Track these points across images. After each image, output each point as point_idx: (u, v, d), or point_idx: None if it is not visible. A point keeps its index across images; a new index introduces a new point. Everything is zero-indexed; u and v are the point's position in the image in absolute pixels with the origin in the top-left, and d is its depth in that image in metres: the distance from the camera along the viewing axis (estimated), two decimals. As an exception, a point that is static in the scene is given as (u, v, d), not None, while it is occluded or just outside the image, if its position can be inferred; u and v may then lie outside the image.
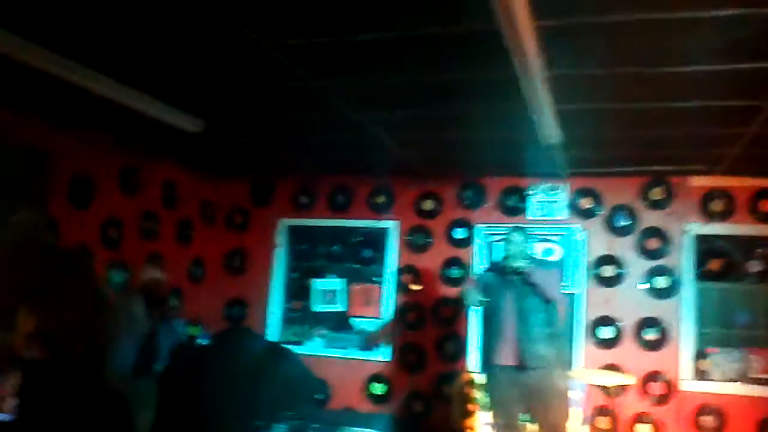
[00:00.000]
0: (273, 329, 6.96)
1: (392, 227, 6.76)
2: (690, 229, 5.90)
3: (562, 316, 4.59)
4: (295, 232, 7.16)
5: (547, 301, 4.25)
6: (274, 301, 7.02)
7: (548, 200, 6.32)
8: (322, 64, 3.66)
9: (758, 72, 3.42)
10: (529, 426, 4.79)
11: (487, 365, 4.48)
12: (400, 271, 6.68)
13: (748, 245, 5.84)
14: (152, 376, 4.81)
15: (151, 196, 6.28)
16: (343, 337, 6.79)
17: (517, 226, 4.80)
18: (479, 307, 4.68)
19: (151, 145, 5.87)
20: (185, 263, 6.84)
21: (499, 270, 4.44)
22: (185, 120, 4.78)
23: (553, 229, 6.26)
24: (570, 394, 4.38)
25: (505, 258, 4.37)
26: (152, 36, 3.40)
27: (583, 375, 5.23)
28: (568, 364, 4.59)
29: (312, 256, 7.09)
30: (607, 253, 6.09)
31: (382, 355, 6.60)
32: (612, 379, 4.98)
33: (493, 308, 4.41)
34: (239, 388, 5.46)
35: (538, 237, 6.19)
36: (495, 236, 6.40)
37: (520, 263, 4.23)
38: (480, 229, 6.47)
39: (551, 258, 6.14)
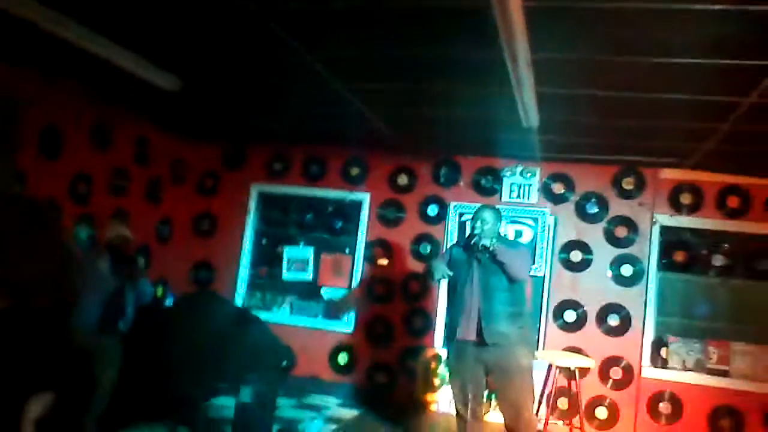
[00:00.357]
0: (240, 295, 6.93)
1: (365, 199, 6.75)
2: (658, 219, 6.00)
3: (529, 296, 4.61)
4: (266, 199, 7.11)
5: (513, 280, 4.24)
6: (242, 267, 6.99)
7: (522, 183, 6.36)
8: (306, 31, 3.61)
9: (739, 68, 3.45)
10: (492, 403, 4.87)
11: (449, 339, 4.46)
12: (371, 244, 6.69)
13: (713, 239, 5.97)
14: (117, 334, 4.75)
15: (123, 153, 6.17)
16: (311, 306, 6.80)
17: (487, 205, 4.76)
18: (442, 280, 4.65)
19: (126, 100, 5.74)
20: (153, 222, 6.75)
21: (467, 246, 4.41)
22: (162, 77, 4.68)
23: (524, 211, 6.32)
24: (534, 373, 4.41)
25: (474, 235, 4.33)
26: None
27: (546, 356, 5.32)
28: (532, 344, 4.59)
29: (283, 223, 7.05)
30: (576, 238, 6.18)
31: (347, 326, 6.62)
32: (573, 361, 5.06)
33: (457, 283, 4.38)
34: (204, 351, 5.43)
35: (510, 218, 6.25)
36: (467, 215, 6.44)
37: (487, 240, 4.19)
38: (453, 206, 6.50)
39: (521, 240, 6.20)
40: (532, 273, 5.46)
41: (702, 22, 2.97)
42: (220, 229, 7.12)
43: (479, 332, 4.19)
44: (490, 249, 4.16)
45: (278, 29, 3.57)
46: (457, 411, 4.37)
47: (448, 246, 6.27)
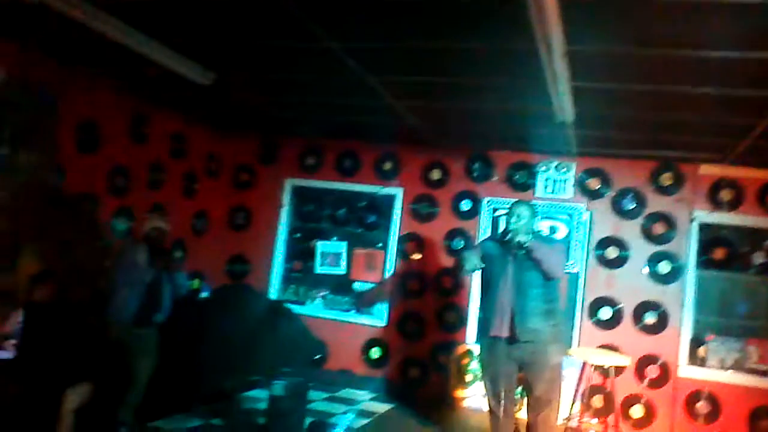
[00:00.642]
0: (274, 288, 6.99)
1: (398, 194, 6.74)
2: (697, 216, 5.87)
3: (563, 293, 4.56)
4: (300, 193, 7.15)
5: (548, 278, 4.19)
6: (276, 260, 7.04)
7: (557, 178, 6.29)
8: (339, 24, 3.61)
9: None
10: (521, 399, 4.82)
11: (482, 336, 4.43)
12: (403, 238, 6.68)
13: (753, 236, 5.81)
14: (154, 326, 4.83)
15: (159, 147, 6.28)
16: (343, 300, 6.83)
17: (522, 200, 4.72)
18: (472, 272, 4.60)
19: (161, 94, 5.83)
20: (189, 216, 6.85)
21: (502, 241, 4.35)
22: (196, 71, 4.73)
23: (559, 207, 6.24)
24: (564, 371, 4.36)
25: (509, 230, 4.28)
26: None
27: (580, 353, 5.25)
28: (564, 341, 4.52)
29: (316, 218, 7.09)
30: (611, 234, 6.08)
31: (380, 319, 6.63)
32: (608, 359, 4.99)
33: (491, 279, 4.33)
34: (239, 343, 5.52)
35: (544, 214, 6.18)
36: (501, 210, 6.39)
37: (523, 237, 4.14)
38: (486, 202, 6.45)
39: (556, 236, 6.13)
40: (567, 270, 5.32)
41: (739, 14, 2.90)
42: (255, 223, 7.19)
43: (512, 329, 4.15)
44: (525, 245, 4.11)
45: (308, 21, 3.58)
46: (489, 407, 4.35)
47: (481, 239, 6.27)
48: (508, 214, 4.39)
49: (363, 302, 6.80)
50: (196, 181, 6.89)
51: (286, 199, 7.10)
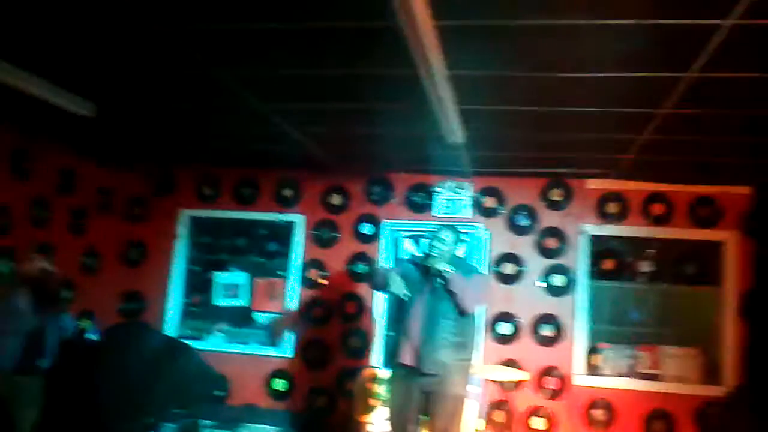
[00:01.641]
0: (171, 324, 6.72)
1: (298, 221, 6.66)
2: (586, 229, 6.12)
3: (477, 326, 4.42)
4: (197, 224, 6.94)
5: (462, 312, 4.11)
6: (173, 295, 6.78)
7: (454, 198, 6.40)
8: (221, 51, 3.55)
9: (651, 81, 3.56)
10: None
11: (390, 361, 4.37)
12: (306, 265, 6.60)
13: (639, 246, 6.11)
14: (38, 373, 4.53)
15: (44, 182, 5.95)
16: (245, 333, 6.65)
17: (447, 225, 4.58)
18: (393, 294, 4.31)
19: (43, 128, 5.54)
20: (78, 253, 6.52)
21: (420, 267, 4.24)
22: (76, 103, 4.54)
23: (457, 226, 6.32)
24: (466, 400, 4.32)
25: (429, 256, 4.16)
26: (43, 16, 3.18)
27: (480, 370, 5.32)
28: (468, 371, 4.37)
29: (215, 248, 6.89)
30: (508, 251, 6.23)
31: (285, 350, 6.49)
32: (508, 374, 5.09)
33: (404, 304, 4.21)
34: (131, 385, 5.26)
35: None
36: (401, 232, 6.44)
37: (443, 265, 4.05)
38: (386, 224, 6.48)
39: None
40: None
41: (614, 36, 3.04)
42: (150, 257, 6.90)
43: (419, 359, 4.08)
44: (444, 275, 4.04)
45: (192, 50, 3.49)
46: None
47: (399, 260, 6.24)
48: (431, 239, 4.28)
49: (271, 335, 6.63)
50: (86, 217, 6.56)
51: (182, 230, 6.86)
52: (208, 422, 5.96)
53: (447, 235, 4.24)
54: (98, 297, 6.64)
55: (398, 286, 4.18)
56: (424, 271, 4.20)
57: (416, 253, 6.09)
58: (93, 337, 6.00)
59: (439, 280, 4.09)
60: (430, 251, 4.20)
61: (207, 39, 3.36)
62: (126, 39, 3.45)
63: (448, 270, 4.05)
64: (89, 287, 6.57)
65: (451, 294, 4.06)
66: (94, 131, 5.46)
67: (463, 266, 4.39)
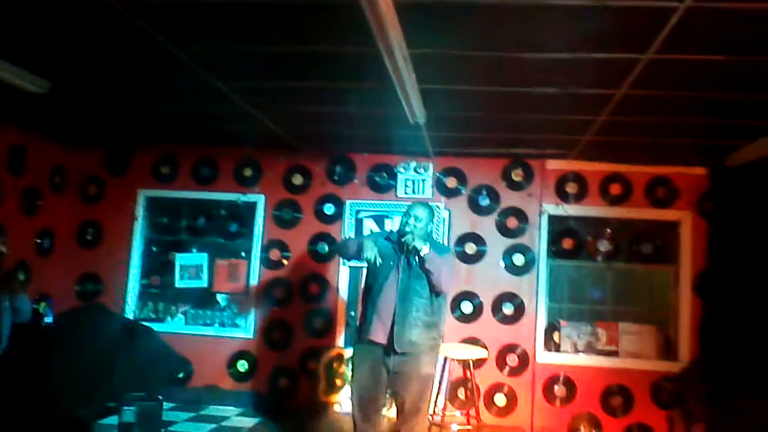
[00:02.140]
0: (131, 306, 6.61)
1: (260, 201, 6.59)
2: (546, 209, 6.19)
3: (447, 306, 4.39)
4: (155, 204, 6.81)
5: (436, 291, 4.07)
6: (132, 277, 6.66)
7: (416, 178, 6.40)
8: (176, 27, 3.44)
9: (610, 62, 3.56)
10: (388, 407, 4.75)
11: (358, 338, 4.22)
12: (267, 246, 6.54)
13: (597, 226, 6.22)
14: (-11, 358, 4.41)
15: (-6, 162, 5.76)
16: (207, 314, 6.58)
17: (421, 202, 4.48)
18: (365, 262, 4.14)
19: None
20: (32, 235, 6.33)
21: (396, 243, 4.15)
22: (27, 80, 4.38)
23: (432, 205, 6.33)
24: (434, 379, 4.30)
25: (405, 232, 4.06)
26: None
27: (443, 349, 5.35)
28: (439, 351, 4.34)
29: (174, 229, 6.78)
30: (470, 231, 6.27)
31: (246, 331, 6.45)
32: (468, 352, 5.13)
33: (377, 280, 4.12)
34: (88, 369, 5.14)
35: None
36: (363, 212, 6.42)
37: (420, 243, 3.96)
38: (349, 204, 6.45)
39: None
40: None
41: (572, 17, 3.03)
42: (107, 238, 6.76)
43: (390, 338, 4.02)
44: (421, 254, 3.98)
45: (146, 26, 3.39)
46: (352, 413, 4.24)
47: (372, 234, 6.20)
48: (405, 215, 4.20)
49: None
50: (39, 197, 6.37)
51: (140, 211, 6.72)
52: (170, 404, 5.90)
53: (422, 212, 4.18)
54: (54, 279, 6.49)
55: (371, 252, 4.06)
56: (399, 248, 4.13)
57: (392, 230, 6.06)
58: (48, 320, 5.87)
59: (415, 257, 4.04)
60: (405, 228, 4.12)
61: (160, 14, 3.26)
62: (79, 14, 3.32)
63: (425, 248, 3.99)
64: (44, 269, 6.41)
65: (427, 273, 4.01)
66: (46, 109, 5.29)
67: (437, 245, 4.35)
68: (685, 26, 3.00)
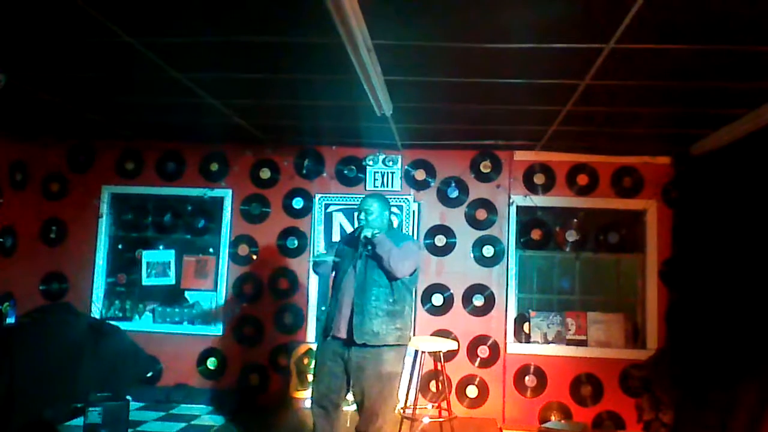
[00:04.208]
0: (97, 305, 6.48)
1: (227, 196, 6.50)
2: (514, 200, 6.21)
3: (413, 293, 4.28)
4: (120, 201, 6.69)
5: (390, 277, 3.97)
6: (97, 275, 6.54)
7: (385, 171, 6.37)
8: (130, 16, 3.35)
9: (576, 52, 3.57)
10: (349, 407, 4.65)
11: (324, 336, 4.13)
12: (235, 241, 6.47)
13: (565, 216, 6.26)
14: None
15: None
16: (175, 312, 6.48)
17: (373, 194, 4.45)
18: (323, 265, 4.24)
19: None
20: (-8, 234, 6.19)
21: (352, 239, 4.17)
22: (-19, 74, 4.26)
23: (390, 199, 6.31)
24: (399, 378, 4.15)
25: (359, 226, 4.13)
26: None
27: (414, 342, 5.35)
28: (404, 344, 4.16)
29: (140, 226, 6.66)
30: (439, 223, 6.27)
31: (215, 329, 6.37)
32: (438, 345, 5.12)
33: (337, 277, 4.16)
34: (53, 370, 5.07)
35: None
36: (333, 206, 6.37)
37: (369, 231, 3.96)
38: (318, 198, 6.41)
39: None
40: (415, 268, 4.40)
41: (536, 7, 3.03)
42: (71, 236, 6.62)
43: (350, 330, 3.94)
44: (372, 239, 3.97)
45: (96, 14, 3.29)
46: (312, 408, 4.13)
47: (315, 239, 6.24)
48: (357, 210, 4.24)
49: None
50: (-1, 195, 6.23)
51: (104, 208, 6.60)
52: (139, 404, 5.81)
53: (372, 203, 4.19)
54: (17, 279, 6.34)
55: (329, 256, 4.20)
56: (354, 242, 4.15)
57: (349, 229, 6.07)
58: (11, 321, 5.74)
59: (369, 246, 4.02)
60: (358, 221, 4.20)
61: (113, 3, 3.17)
62: (33, 4, 3.23)
63: (375, 233, 3.99)
64: (7, 268, 6.26)
65: (378, 258, 3.97)
66: (3, 103, 5.14)
67: (395, 234, 4.31)
68: (646, 15, 3.01)
